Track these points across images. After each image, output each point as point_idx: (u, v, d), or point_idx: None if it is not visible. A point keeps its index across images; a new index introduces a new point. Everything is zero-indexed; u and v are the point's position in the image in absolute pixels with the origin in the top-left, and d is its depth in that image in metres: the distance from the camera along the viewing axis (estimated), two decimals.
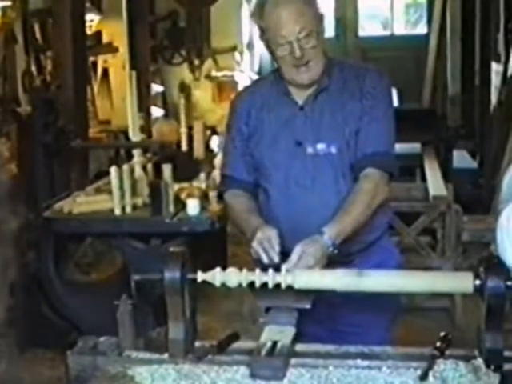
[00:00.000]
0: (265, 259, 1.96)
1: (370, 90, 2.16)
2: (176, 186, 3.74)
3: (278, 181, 2.18)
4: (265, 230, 2.02)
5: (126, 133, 5.68)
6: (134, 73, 4.82)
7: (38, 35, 6.90)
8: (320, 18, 2.14)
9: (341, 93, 2.17)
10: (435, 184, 4.91)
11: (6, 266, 3.37)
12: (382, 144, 2.16)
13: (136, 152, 3.96)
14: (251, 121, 2.23)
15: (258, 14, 2.12)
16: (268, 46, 2.16)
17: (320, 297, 1.85)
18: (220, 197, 2.40)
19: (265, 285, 1.78)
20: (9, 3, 6.33)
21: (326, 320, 2.23)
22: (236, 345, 1.78)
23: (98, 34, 7.56)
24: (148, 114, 6.92)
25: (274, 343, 1.70)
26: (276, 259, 1.95)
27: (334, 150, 2.13)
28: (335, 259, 2.03)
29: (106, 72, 7.69)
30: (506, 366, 1.61)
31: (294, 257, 1.91)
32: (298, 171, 2.15)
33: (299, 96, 2.19)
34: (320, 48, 2.12)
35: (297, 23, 2.06)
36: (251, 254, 2.04)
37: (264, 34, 2.14)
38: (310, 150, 2.15)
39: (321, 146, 2.14)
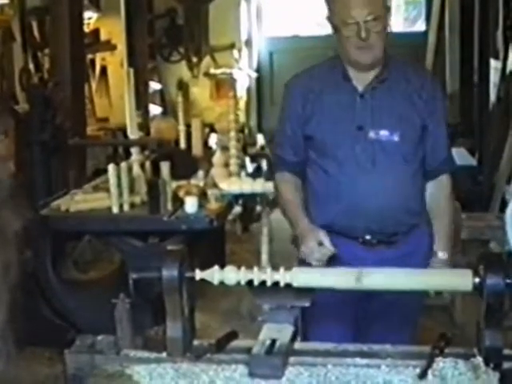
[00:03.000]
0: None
1: (439, 95, 2.37)
2: (174, 184, 3.73)
3: (339, 161, 2.30)
4: (314, 235, 2.26)
5: (124, 130, 5.68)
6: (131, 70, 4.82)
7: (35, 33, 6.89)
8: (387, 9, 2.25)
9: (404, 85, 2.31)
10: None
11: (7, 267, 3.35)
12: (448, 149, 2.41)
13: (134, 150, 3.95)
14: (309, 104, 2.33)
15: None
16: (334, 27, 2.27)
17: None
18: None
19: (263, 283, 1.77)
20: (6, 1, 6.32)
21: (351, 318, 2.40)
22: (234, 343, 1.77)
23: (96, 31, 7.55)
24: (146, 111, 6.91)
25: (273, 341, 1.70)
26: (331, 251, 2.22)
27: (396, 137, 2.27)
28: (384, 240, 2.30)
29: (104, 70, 7.68)
30: (506, 365, 1.60)
31: None
32: (359, 154, 2.28)
33: (359, 83, 2.30)
34: (383, 36, 2.23)
35: (366, 6, 2.18)
36: (299, 253, 2.30)
37: (332, 14, 2.26)
38: (371, 134, 2.27)
39: (384, 133, 2.27)
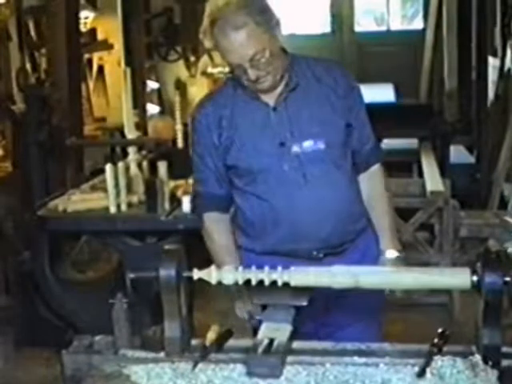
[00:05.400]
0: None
1: (354, 85, 2.23)
2: (172, 184, 3.73)
3: (269, 184, 2.16)
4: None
5: (121, 130, 5.66)
6: (128, 70, 4.79)
7: (32, 33, 6.87)
8: (272, 29, 2.07)
9: (317, 87, 2.17)
10: (432, 179, 4.90)
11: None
12: (372, 138, 2.29)
13: (131, 149, 3.94)
14: (224, 131, 2.18)
15: (209, 35, 2.05)
16: None
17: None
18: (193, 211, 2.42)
19: (261, 282, 1.77)
20: (3, 0, 6.30)
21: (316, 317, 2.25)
22: (232, 343, 1.77)
23: (93, 31, 7.55)
24: (143, 111, 6.90)
25: (271, 341, 1.69)
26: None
27: (322, 145, 2.14)
28: (332, 252, 2.17)
29: (101, 69, 7.68)
30: (504, 362, 1.60)
31: None
32: (288, 171, 2.14)
33: (269, 97, 2.16)
34: (275, 57, 2.08)
35: (247, 48, 2.01)
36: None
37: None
38: (295, 148, 2.14)
39: (308, 144, 2.13)
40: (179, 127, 4.60)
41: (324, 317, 2.24)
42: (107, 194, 3.59)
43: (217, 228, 2.28)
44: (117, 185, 3.56)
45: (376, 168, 2.29)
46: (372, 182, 2.28)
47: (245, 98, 2.17)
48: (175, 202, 3.60)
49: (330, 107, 2.15)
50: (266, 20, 2.05)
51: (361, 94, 2.26)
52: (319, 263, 2.11)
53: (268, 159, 2.15)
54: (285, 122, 2.14)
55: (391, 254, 2.25)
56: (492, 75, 6.66)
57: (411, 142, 6.76)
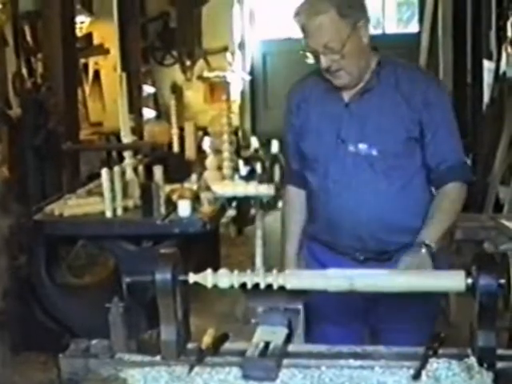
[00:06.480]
0: None
1: (434, 100, 2.18)
2: (167, 188, 3.73)
3: (318, 175, 2.24)
4: None
5: (118, 135, 5.67)
6: (124, 74, 4.80)
7: (28, 37, 6.87)
8: (358, 27, 2.11)
9: (392, 94, 2.17)
10: None
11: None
12: (458, 155, 2.23)
13: (127, 154, 3.95)
14: (301, 114, 2.29)
15: (297, 17, 2.14)
16: None
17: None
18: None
19: (257, 286, 1.77)
20: None
21: (368, 317, 2.31)
22: (228, 346, 1.77)
23: (89, 35, 7.54)
24: (140, 115, 6.90)
25: (267, 344, 1.70)
26: None
27: (375, 152, 2.15)
28: (374, 257, 2.19)
29: (97, 74, 7.68)
30: (499, 365, 1.60)
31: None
32: (337, 168, 2.19)
33: (346, 93, 2.21)
34: (352, 54, 2.11)
35: (323, 36, 2.08)
36: None
37: None
38: (351, 148, 2.18)
39: (362, 146, 2.17)
40: (175, 131, 4.62)
41: (373, 316, 2.28)
42: (103, 199, 3.59)
43: (290, 201, 2.41)
44: (113, 189, 3.57)
45: (453, 186, 2.18)
46: (441, 196, 2.18)
47: (325, 88, 2.23)
48: (171, 206, 3.60)
49: (397, 116, 2.16)
50: (353, 16, 2.10)
51: (445, 111, 2.22)
52: (362, 265, 2.18)
53: (323, 151, 2.22)
54: (353, 120, 2.19)
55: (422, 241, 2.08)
56: (487, 78, 6.67)
57: None
